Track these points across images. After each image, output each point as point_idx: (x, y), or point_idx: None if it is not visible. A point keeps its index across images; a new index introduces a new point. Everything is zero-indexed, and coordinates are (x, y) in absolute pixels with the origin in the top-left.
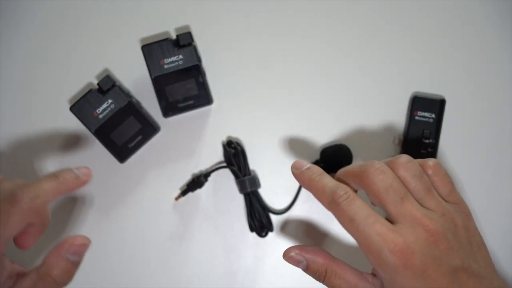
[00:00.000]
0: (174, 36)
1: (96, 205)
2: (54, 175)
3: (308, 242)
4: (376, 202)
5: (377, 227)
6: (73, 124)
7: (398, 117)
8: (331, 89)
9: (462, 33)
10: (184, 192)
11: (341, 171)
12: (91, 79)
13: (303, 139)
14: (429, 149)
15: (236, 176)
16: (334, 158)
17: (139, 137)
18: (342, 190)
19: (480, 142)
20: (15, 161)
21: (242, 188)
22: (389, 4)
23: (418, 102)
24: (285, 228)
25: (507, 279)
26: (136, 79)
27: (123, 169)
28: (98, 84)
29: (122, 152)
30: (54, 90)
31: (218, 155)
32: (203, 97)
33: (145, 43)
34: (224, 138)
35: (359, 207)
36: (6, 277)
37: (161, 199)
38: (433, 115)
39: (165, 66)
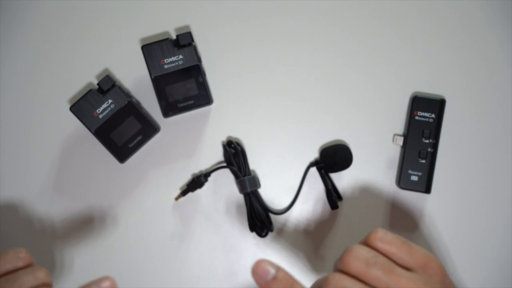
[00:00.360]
0: (174, 36)
1: (96, 205)
2: None
3: (308, 242)
4: None
5: None
6: (73, 124)
7: (398, 117)
8: (331, 89)
9: (462, 33)
10: (184, 192)
11: None
12: (91, 79)
13: (303, 139)
14: (429, 149)
15: (236, 176)
16: (334, 158)
17: (139, 137)
18: None
19: (480, 142)
20: (15, 161)
21: (242, 188)
22: (389, 4)
23: (418, 102)
24: (285, 228)
25: (507, 279)
26: (136, 79)
27: (123, 169)
28: (98, 84)
29: (122, 152)
30: (54, 90)
31: (218, 155)
32: (203, 97)
33: (145, 43)
34: (224, 138)
35: None
36: None
37: (161, 199)
38: (433, 115)
39: (165, 66)
